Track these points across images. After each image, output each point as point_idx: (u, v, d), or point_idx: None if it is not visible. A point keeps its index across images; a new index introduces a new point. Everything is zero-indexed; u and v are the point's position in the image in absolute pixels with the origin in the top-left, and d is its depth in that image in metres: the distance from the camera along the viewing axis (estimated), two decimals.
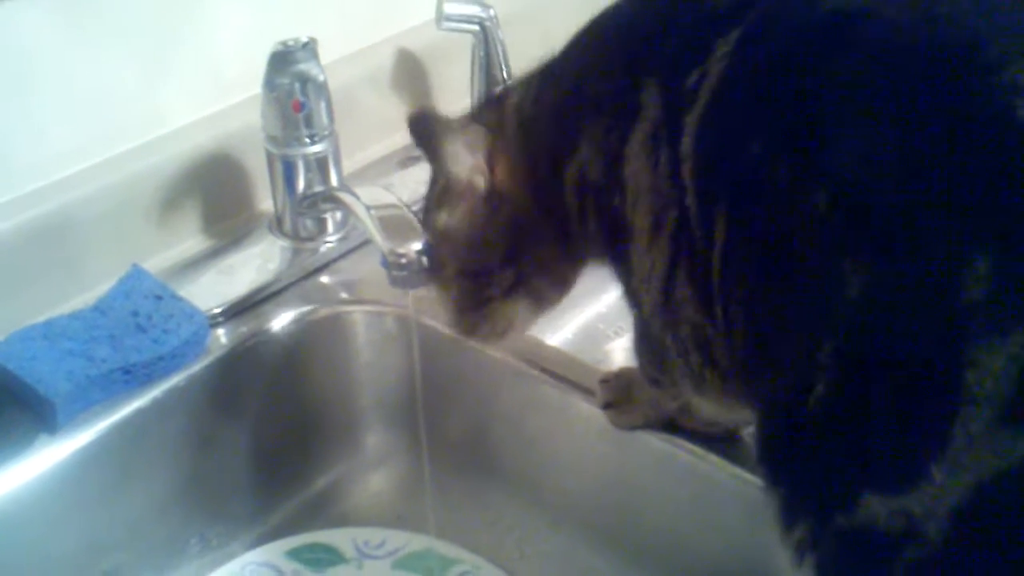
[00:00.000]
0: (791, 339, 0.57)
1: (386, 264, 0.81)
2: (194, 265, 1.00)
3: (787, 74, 0.58)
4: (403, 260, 0.80)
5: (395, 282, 0.83)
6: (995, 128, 0.49)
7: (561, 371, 0.91)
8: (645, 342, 0.74)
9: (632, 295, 0.72)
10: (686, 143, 0.62)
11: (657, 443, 0.84)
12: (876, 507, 0.51)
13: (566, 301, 1.05)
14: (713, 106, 0.61)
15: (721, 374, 0.66)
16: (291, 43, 0.95)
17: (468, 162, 0.78)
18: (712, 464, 0.81)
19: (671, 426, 0.83)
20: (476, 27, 1.16)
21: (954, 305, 0.48)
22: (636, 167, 0.66)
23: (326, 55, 0.98)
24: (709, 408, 0.74)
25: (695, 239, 0.62)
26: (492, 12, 1.15)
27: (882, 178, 0.52)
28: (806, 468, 0.56)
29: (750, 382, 0.63)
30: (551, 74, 0.77)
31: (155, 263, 0.99)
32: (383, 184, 1.09)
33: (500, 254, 0.78)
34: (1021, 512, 0.47)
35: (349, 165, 1.10)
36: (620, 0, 0.72)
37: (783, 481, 0.58)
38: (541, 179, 0.76)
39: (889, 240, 0.51)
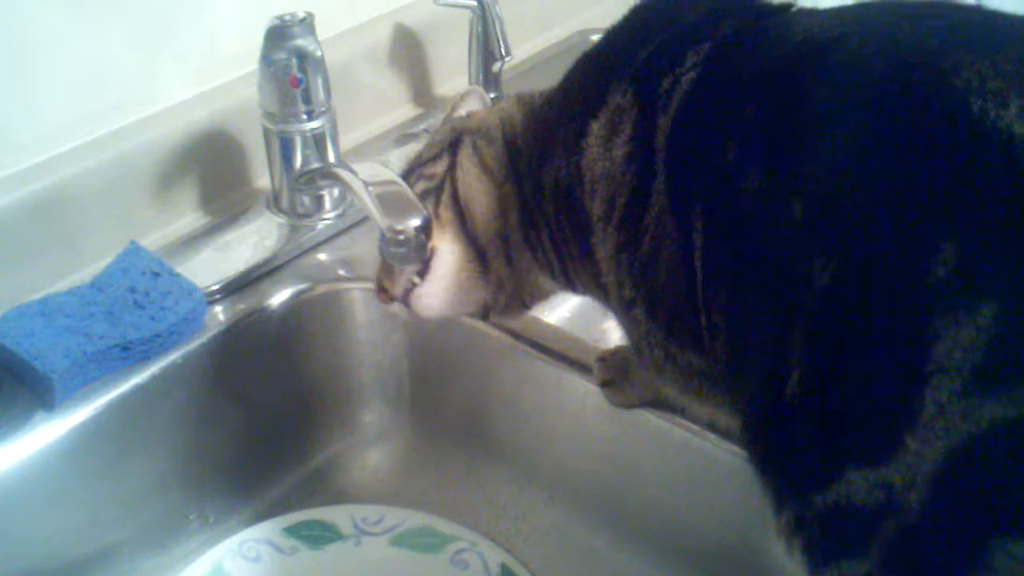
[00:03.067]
0: (763, 332, 0.59)
1: (384, 241, 0.81)
2: (191, 242, 1.00)
3: (763, 90, 0.61)
4: (401, 237, 0.80)
5: (393, 259, 0.82)
6: (955, 125, 0.52)
7: (558, 348, 0.91)
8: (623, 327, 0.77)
9: (602, 289, 0.75)
10: (659, 140, 0.66)
11: (654, 420, 0.85)
12: (857, 482, 0.53)
13: None
14: (686, 111, 0.65)
15: (681, 370, 0.70)
16: (288, 18, 0.95)
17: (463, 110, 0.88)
18: (708, 441, 0.82)
19: (668, 403, 0.83)
20: (474, 2, 1.15)
21: (921, 284, 0.51)
22: (592, 156, 0.70)
23: (323, 31, 0.98)
24: (671, 394, 0.77)
25: (642, 234, 0.67)
26: None
27: (853, 185, 0.55)
28: (789, 453, 0.58)
29: (730, 379, 0.65)
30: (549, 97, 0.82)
31: (152, 240, 0.99)
32: (380, 161, 1.09)
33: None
34: (992, 472, 0.50)
35: (346, 142, 1.10)
36: (614, 23, 0.76)
37: (770, 470, 0.60)
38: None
39: (859, 239, 0.54)
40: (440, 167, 0.83)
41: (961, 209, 0.51)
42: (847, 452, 0.54)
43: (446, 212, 0.81)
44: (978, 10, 0.60)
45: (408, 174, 0.85)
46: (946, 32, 0.57)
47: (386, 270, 0.84)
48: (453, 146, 0.83)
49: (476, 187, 0.81)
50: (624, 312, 0.72)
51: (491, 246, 0.81)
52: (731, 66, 0.64)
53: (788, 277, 0.56)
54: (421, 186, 0.83)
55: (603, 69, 0.73)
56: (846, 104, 0.57)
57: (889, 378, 0.52)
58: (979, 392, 0.49)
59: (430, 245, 0.80)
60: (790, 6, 0.68)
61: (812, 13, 0.66)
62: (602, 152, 0.70)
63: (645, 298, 0.69)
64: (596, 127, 0.70)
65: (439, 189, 0.82)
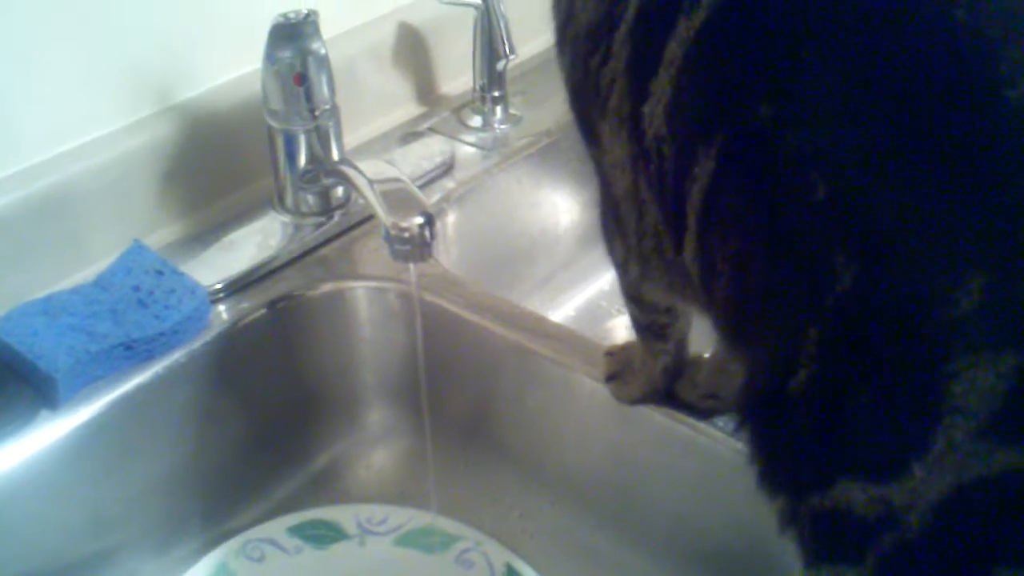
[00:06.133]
0: (776, 318, 0.56)
1: (388, 238, 0.81)
2: (195, 241, 1.00)
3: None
4: (406, 234, 0.79)
5: (397, 256, 0.82)
6: (1002, 144, 0.47)
7: (564, 347, 0.91)
8: (607, 218, 0.74)
9: (603, 173, 0.72)
10: (674, 51, 0.59)
11: (658, 417, 0.84)
12: (854, 493, 0.51)
13: (567, 279, 1.05)
14: (707, 38, 0.57)
15: (666, 265, 0.66)
16: (292, 16, 0.95)
17: None
18: (713, 439, 0.81)
19: (672, 401, 0.83)
20: (479, 1, 1.15)
21: (943, 316, 0.48)
22: (613, 66, 0.66)
23: (327, 29, 0.97)
24: (654, 294, 0.74)
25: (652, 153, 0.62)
26: None
27: (884, 182, 0.50)
28: (782, 448, 0.57)
29: (728, 329, 0.62)
30: None
31: (156, 238, 0.99)
32: (385, 159, 1.08)
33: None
34: (999, 511, 0.48)
35: (350, 140, 1.10)
36: None
37: (760, 455, 0.59)
38: None
39: (884, 245, 0.50)
40: None
41: (995, 244, 0.47)
42: (843, 463, 0.52)
43: None
44: None
45: None
46: (1008, 19, 0.49)
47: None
48: None
49: None
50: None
51: None
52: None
53: (806, 265, 0.53)
54: None
55: None
56: (880, 94, 0.51)
57: (902, 406, 0.50)
58: (993, 439, 0.47)
59: None
60: None
61: None
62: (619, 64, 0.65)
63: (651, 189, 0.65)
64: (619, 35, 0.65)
65: None
